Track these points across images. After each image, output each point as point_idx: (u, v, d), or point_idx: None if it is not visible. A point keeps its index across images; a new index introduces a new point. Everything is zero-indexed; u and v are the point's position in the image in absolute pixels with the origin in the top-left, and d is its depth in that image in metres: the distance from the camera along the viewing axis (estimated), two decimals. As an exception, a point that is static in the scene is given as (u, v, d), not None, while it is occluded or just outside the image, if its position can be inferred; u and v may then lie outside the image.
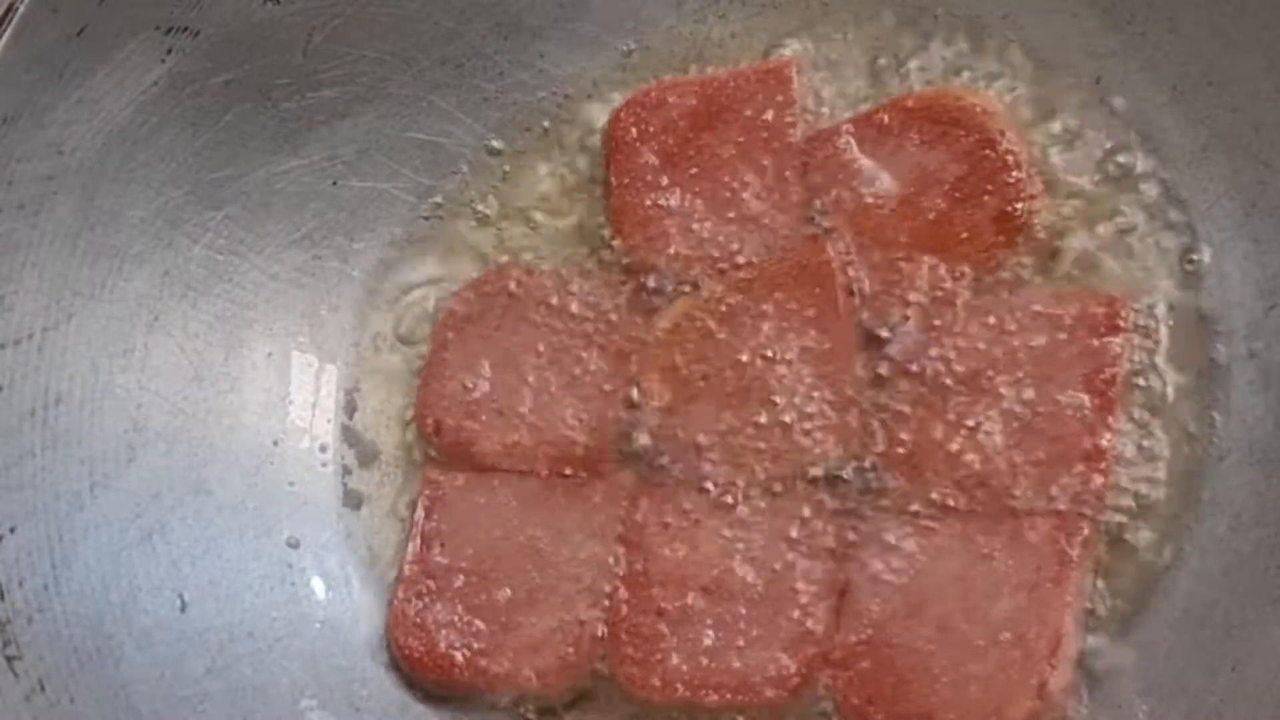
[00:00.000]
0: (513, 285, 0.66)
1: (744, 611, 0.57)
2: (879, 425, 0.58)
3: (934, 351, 0.58)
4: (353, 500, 0.66)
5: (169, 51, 0.61)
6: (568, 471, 0.62)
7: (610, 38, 0.68)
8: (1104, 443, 0.55)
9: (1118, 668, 0.54)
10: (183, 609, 0.60)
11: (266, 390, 0.67)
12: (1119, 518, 0.55)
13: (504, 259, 0.67)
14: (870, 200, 0.60)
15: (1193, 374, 0.56)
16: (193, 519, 0.62)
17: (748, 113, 0.63)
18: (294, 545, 0.64)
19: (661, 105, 0.65)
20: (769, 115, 0.63)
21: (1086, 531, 0.54)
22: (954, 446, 0.56)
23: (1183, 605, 0.54)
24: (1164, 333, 0.57)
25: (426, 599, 0.62)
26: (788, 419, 0.59)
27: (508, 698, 0.60)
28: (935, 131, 0.60)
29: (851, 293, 0.59)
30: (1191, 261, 0.57)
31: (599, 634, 0.59)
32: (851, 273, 0.60)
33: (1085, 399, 0.55)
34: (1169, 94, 0.59)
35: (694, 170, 0.63)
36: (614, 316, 0.64)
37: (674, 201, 0.63)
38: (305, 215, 0.68)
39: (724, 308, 0.61)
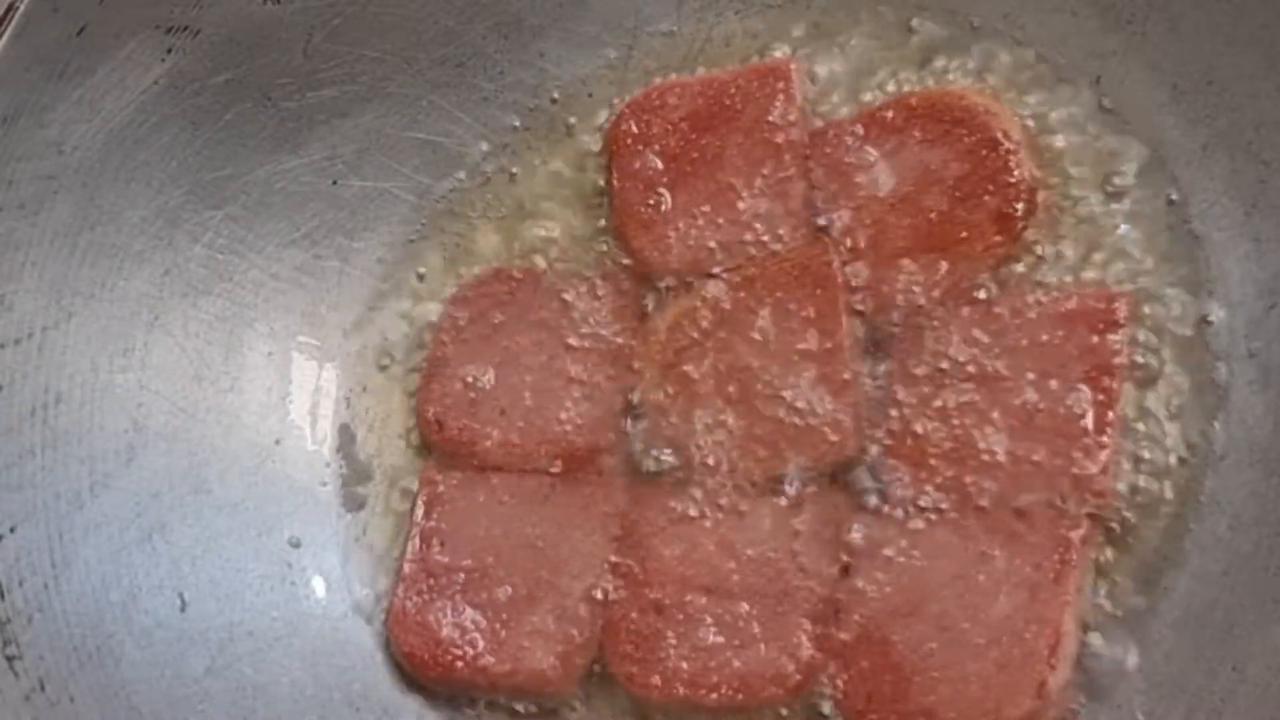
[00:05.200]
0: (513, 285, 0.66)
1: (744, 610, 0.57)
2: (879, 424, 0.58)
3: (934, 350, 0.58)
4: (353, 499, 0.66)
5: (169, 51, 0.61)
6: (567, 470, 0.62)
7: (610, 37, 0.68)
8: (1104, 441, 0.55)
9: (1118, 667, 0.54)
10: (183, 608, 0.60)
11: (266, 390, 0.67)
12: (1119, 517, 0.55)
13: (505, 258, 0.67)
14: (871, 198, 0.60)
15: (1192, 373, 0.56)
16: (193, 519, 0.62)
17: (749, 113, 0.63)
18: (294, 545, 0.64)
19: (663, 106, 0.65)
20: (770, 115, 0.63)
21: (1086, 530, 0.54)
22: (954, 445, 0.56)
23: (1183, 605, 0.54)
24: (1164, 331, 0.57)
25: (426, 597, 0.62)
26: (787, 418, 0.59)
27: (507, 696, 0.60)
28: (938, 130, 0.60)
29: (852, 292, 0.59)
30: (1191, 261, 0.57)
31: (598, 632, 0.59)
32: (852, 272, 0.60)
33: (1085, 397, 0.55)
34: (1169, 94, 0.59)
35: (695, 170, 0.63)
36: (614, 316, 0.64)
37: (675, 201, 0.63)
38: (305, 215, 0.68)
39: (724, 308, 0.61)
